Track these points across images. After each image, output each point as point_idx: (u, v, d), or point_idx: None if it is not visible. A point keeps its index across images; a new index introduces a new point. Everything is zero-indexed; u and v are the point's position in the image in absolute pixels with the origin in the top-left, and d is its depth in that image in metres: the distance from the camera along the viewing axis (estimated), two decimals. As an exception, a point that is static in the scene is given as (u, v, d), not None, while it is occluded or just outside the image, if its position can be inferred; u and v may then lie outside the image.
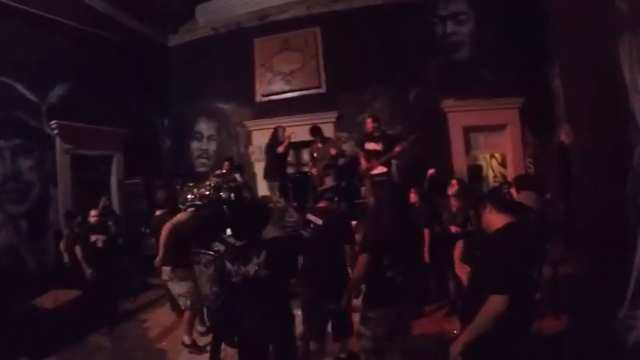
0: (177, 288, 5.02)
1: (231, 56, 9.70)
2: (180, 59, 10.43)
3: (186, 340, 5.02)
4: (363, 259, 3.29)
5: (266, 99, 9.49)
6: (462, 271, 3.38)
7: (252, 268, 3.03)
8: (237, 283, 3.07)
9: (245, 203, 6.42)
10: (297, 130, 8.26)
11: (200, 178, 8.47)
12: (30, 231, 6.66)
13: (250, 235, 3.23)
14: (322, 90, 9.02)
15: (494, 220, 2.69)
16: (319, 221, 4.17)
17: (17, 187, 6.58)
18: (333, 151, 7.36)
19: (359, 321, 3.44)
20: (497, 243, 2.60)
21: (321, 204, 4.46)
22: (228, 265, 3.12)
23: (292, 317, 3.31)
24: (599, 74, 3.46)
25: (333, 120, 8.76)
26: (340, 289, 3.55)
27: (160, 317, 6.21)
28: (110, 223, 7.07)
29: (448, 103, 8.07)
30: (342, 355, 4.40)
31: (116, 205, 8.37)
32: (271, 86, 9.40)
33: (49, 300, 5.65)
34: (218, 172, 8.45)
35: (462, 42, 8.26)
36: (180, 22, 10.47)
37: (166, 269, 4.92)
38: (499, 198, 2.92)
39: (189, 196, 7.66)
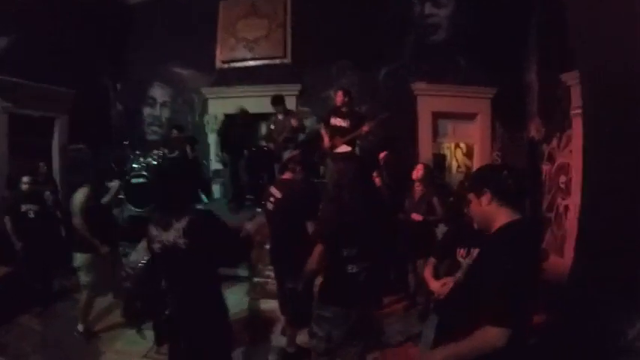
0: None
1: (194, 19, 8.97)
2: (140, 19, 9.58)
3: (80, 327, 4.59)
4: (317, 249, 2.79)
5: (226, 66, 8.82)
6: (435, 284, 2.71)
7: (171, 235, 2.59)
8: (157, 250, 2.68)
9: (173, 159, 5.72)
10: (257, 101, 7.75)
11: (150, 147, 7.83)
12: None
13: (173, 195, 2.79)
14: (287, 61, 8.42)
15: (494, 214, 1.90)
16: (278, 194, 3.79)
17: None
18: (294, 122, 6.76)
19: (312, 318, 2.92)
20: (500, 250, 1.81)
21: (284, 175, 4.04)
22: (152, 228, 2.71)
23: (222, 308, 2.85)
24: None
25: (296, 93, 8.19)
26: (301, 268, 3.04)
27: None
28: (47, 192, 6.35)
29: (419, 86, 7.61)
30: (289, 350, 4.00)
31: (57, 173, 7.66)
32: (233, 53, 8.72)
33: None
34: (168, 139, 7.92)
35: (439, 24, 7.78)
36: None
37: None
38: (504, 184, 1.91)
39: (135, 166, 7.06)
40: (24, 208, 5.34)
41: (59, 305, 5.34)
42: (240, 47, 8.65)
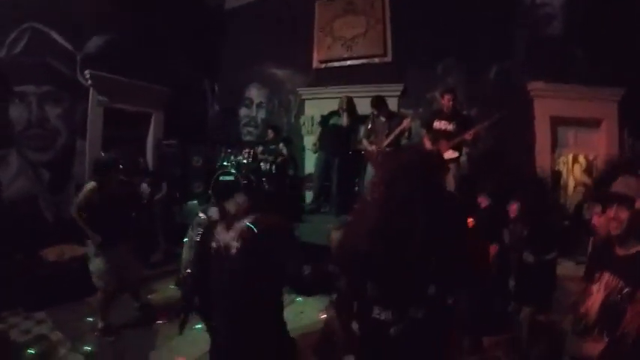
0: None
1: (290, 20, 8.90)
2: (237, 22, 9.73)
3: (99, 324, 4.52)
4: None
5: (324, 66, 8.57)
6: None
7: (229, 236, 2.29)
8: (212, 251, 2.35)
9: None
10: (357, 102, 7.28)
11: (244, 147, 7.78)
12: (51, 181, 6.49)
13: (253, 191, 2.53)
14: (387, 59, 7.95)
15: None
16: None
17: (41, 134, 6.37)
18: (407, 123, 6.07)
19: None
20: None
21: None
22: (219, 228, 2.41)
23: (276, 328, 2.36)
24: None
25: (398, 94, 7.70)
26: None
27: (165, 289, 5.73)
28: (144, 184, 6.79)
29: (535, 86, 6.77)
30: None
31: (151, 167, 8.05)
32: (330, 52, 8.44)
33: (53, 253, 5.43)
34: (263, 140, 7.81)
35: (553, 15, 6.87)
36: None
37: None
38: None
39: (225, 163, 7.05)
40: None
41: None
42: (338, 46, 8.35)
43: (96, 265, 4.44)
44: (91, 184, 4.46)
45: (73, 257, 5.33)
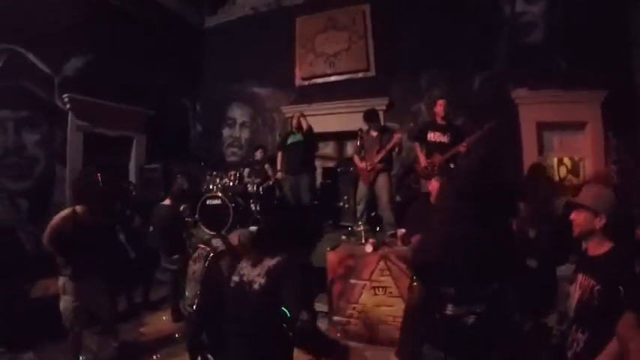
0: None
1: (271, 37, 8.87)
2: (217, 41, 9.74)
3: None
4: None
5: (307, 83, 8.54)
6: None
7: (255, 272, 2.26)
8: (231, 284, 2.33)
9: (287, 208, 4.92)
10: (342, 118, 7.40)
11: (228, 168, 7.65)
12: (30, 210, 6.19)
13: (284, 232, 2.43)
14: (371, 73, 7.95)
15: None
16: None
17: (19, 163, 6.12)
18: (398, 137, 5.90)
19: None
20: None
21: None
22: (243, 262, 2.39)
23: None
24: None
25: (383, 108, 7.64)
26: None
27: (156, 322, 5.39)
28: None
29: (519, 94, 6.84)
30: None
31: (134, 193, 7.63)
32: (313, 69, 8.41)
33: (37, 288, 5.19)
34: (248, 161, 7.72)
35: (533, 23, 6.98)
36: (219, 4, 9.78)
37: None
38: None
39: (211, 187, 6.88)
40: None
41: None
42: (320, 62, 8.33)
43: (63, 302, 4.08)
44: (65, 211, 4.13)
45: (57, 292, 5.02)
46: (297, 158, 6.50)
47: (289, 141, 6.60)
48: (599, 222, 2.16)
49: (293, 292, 2.15)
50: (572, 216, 2.28)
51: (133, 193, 7.28)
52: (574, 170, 7.01)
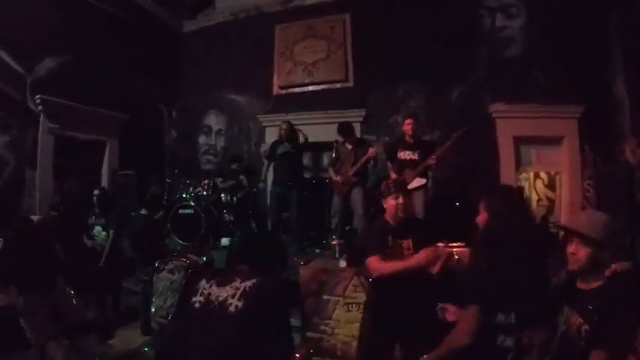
0: None
1: (249, 44, 8.77)
2: (195, 46, 9.58)
3: None
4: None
5: (284, 92, 8.42)
6: None
7: (225, 292, 2.06)
8: (195, 304, 2.10)
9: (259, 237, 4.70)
10: (319, 128, 7.22)
11: (203, 176, 7.47)
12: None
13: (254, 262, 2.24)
14: (349, 84, 7.87)
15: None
16: None
17: None
18: (372, 152, 5.77)
19: None
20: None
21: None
22: (203, 282, 2.17)
23: None
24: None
25: (360, 119, 7.56)
26: None
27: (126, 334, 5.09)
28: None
29: (497, 107, 6.82)
30: None
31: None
32: (291, 77, 8.31)
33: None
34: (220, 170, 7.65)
35: (512, 38, 7.02)
36: (199, 8, 9.59)
37: None
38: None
39: (183, 195, 6.70)
40: None
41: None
42: (299, 71, 8.23)
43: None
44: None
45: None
46: (286, 170, 6.30)
47: (279, 151, 6.38)
48: (606, 257, 1.91)
49: (278, 339, 2.04)
50: (571, 249, 1.94)
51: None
52: (550, 184, 7.05)
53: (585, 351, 1.79)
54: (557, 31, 6.60)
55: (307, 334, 4.75)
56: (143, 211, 5.50)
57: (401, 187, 3.22)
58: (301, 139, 6.66)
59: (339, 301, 4.57)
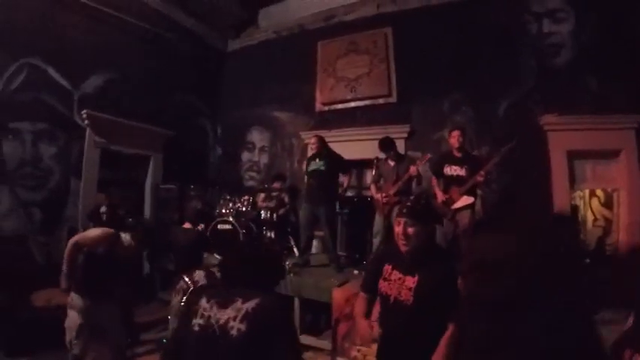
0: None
1: (292, 61, 8.85)
2: (239, 64, 9.78)
3: None
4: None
5: (327, 108, 8.39)
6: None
7: (226, 315, 1.95)
8: (194, 327, 1.98)
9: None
10: (362, 145, 7.21)
11: (246, 192, 7.49)
12: (43, 221, 6.27)
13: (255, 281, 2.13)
14: (392, 99, 7.72)
15: None
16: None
17: (34, 174, 6.23)
18: (413, 170, 5.60)
19: None
20: None
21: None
22: (202, 299, 2.07)
23: None
24: None
25: (405, 135, 7.39)
26: None
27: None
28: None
29: (549, 119, 6.45)
30: None
31: (148, 211, 7.90)
32: (334, 93, 8.26)
33: (41, 298, 5.18)
34: (263, 187, 7.72)
35: (561, 44, 6.64)
36: (242, 28, 9.85)
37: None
38: None
39: (223, 211, 6.72)
40: None
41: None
42: (341, 87, 8.17)
43: (69, 319, 3.88)
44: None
45: (60, 304, 4.77)
46: (316, 187, 6.17)
47: (310, 168, 6.32)
48: None
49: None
50: None
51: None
52: (607, 203, 6.55)
53: None
54: (609, 35, 6.22)
55: (337, 359, 4.68)
56: (186, 225, 5.53)
57: (410, 213, 2.55)
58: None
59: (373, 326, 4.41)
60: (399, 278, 2.53)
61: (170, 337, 2.81)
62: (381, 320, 2.76)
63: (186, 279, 3.42)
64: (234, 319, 1.92)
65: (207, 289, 2.28)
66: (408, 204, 2.60)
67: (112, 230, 4.03)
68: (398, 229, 2.54)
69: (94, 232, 4.02)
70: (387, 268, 2.63)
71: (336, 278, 5.38)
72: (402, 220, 2.53)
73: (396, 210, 2.81)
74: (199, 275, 3.40)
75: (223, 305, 1.99)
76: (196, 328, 1.98)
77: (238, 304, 1.97)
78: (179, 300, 3.27)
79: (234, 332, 1.89)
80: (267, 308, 1.96)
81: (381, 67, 7.80)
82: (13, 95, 5.91)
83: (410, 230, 2.48)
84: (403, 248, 2.53)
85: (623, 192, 6.33)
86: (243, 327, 1.89)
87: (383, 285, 2.61)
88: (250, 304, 1.95)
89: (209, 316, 1.98)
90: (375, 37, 7.96)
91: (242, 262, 2.22)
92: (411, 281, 2.48)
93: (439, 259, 2.57)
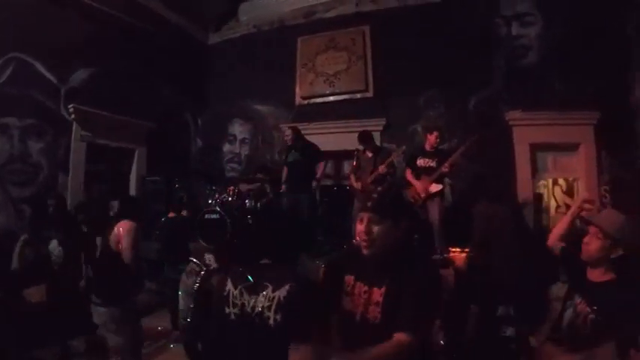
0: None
1: (273, 56, 9.08)
2: (220, 57, 9.90)
3: None
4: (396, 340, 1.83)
5: (306, 102, 8.71)
6: None
7: (260, 303, 1.90)
8: (231, 316, 1.95)
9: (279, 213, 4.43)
10: (340, 137, 7.52)
11: (227, 183, 7.73)
12: (32, 217, 6.19)
13: (279, 255, 2.09)
14: (369, 94, 8.11)
15: None
16: None
17: (23, 169, 6.20)
18: (382, 169, 5.99)
19: None
20: None
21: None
22: (229, 283, 2.01)
23: None
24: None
25: (380, 128, 7.80)
26: None
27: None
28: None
29: (514, 115, 6.97)
30: None
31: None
32: (313, 88, 8.60)
33: (36, 293, 5.03)
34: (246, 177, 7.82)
35: (529, 46, 7.18)
36: (223, 21, 9.97)
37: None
38: None
39: (209, 201, 6.97)
40: None
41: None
42: (320, 82, 8.50)
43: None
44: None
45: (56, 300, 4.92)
46: (295, 176, 6.54)
47: (289, 158, 6.66)
48: (615, 253, 2.05)
49: None
50: (586, 239, 2.14)
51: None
52: (568, 191, 7.12)
53: (590, 339, 1.93)
54: (573, 39, 6.71)
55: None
56: (170, 214, 5.78)
57: (375, 207, 1.95)
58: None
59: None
60: (365, 292, 1.98)
61: (191, 323, 2.83)
62: (343, 344, 2.04)
63: (197, 261, 3.52)
64: (269, 308, 1.87)
65: (228, 271, 2.14)
66: (374, 195, 2.02)
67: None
68: (360, 227, 1.95)
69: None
70: (349, 279, 2.07)
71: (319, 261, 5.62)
72: (366, 215, 1.95)
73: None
74: (209, 258, 3.49)
75: (253, 291, 1.94)
76: (232, 317, 1.94)
77: (269, 291, 1.91)
78: (193, 281, 3.33)
79: (271, 322, 1.86)
80: (298, 298, 1.88)
81: (359, 63, 8.16)
82: (0, 90, 5.91)
83: (375, 229, 1.91)
84: (365, 251, 1.95)
85: (582, 181, 6.90)
86: (279, 317, 1.85)
87: (345, 301, 2.04)
88: (282, 292, 1.88)
89: (242, 304, 1.94)
90: (353, 34, 8.31)
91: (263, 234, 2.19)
92: (377, 294, 1.94)
93: (412, 263, 2.00)
